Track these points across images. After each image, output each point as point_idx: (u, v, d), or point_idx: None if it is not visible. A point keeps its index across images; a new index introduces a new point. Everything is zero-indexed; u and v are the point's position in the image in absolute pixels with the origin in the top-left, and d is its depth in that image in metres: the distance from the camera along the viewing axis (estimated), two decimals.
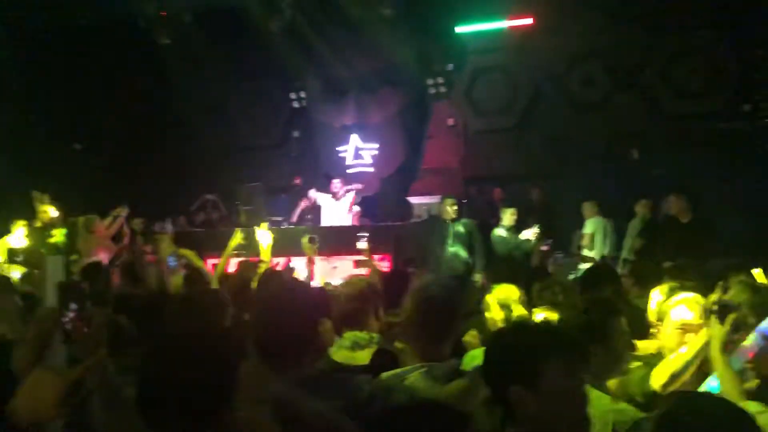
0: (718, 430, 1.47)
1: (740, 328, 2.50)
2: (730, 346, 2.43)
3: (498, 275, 4.21)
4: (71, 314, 2.04)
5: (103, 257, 7.26)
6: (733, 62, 9.69)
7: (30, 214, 8.03)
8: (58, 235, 7.71)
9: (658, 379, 2.57)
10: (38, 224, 8.09)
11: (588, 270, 4.72)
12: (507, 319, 3.25)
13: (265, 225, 5.67)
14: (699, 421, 1.48)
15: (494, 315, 3.29)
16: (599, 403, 2.14)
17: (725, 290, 2.94)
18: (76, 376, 1.84)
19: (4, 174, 10.35)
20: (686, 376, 2.57)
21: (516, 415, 1.66)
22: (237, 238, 5.46)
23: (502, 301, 3.30)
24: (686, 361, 2.57)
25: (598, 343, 2.34)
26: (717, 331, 2.42)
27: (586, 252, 8.42)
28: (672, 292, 3.10)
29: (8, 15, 10.63)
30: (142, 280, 4.74)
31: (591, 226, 8.64)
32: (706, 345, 2.50)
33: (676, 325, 2.79)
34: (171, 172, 11.68)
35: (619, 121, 10.34)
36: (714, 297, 2.68)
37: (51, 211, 7.98)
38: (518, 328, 2.00)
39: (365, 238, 5.59)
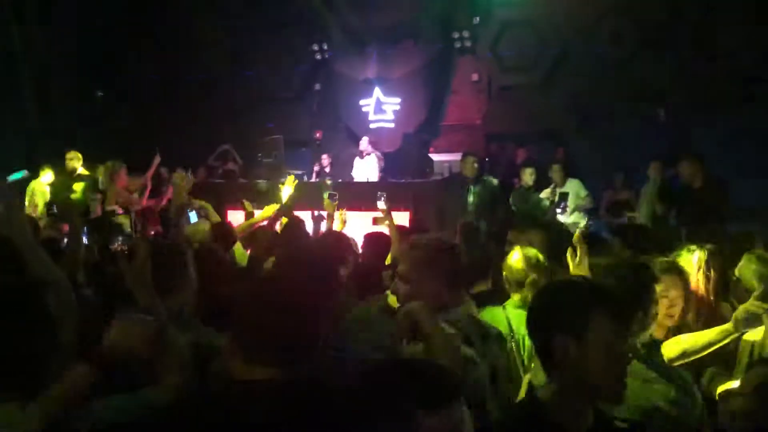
0: None
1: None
2: None
3: (520, 233, 4.14)
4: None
5: (117, 208, 7.34)
6: (765, 22, 9.36)
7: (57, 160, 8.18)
8: (78, 192, 7.82)
9: (668, 350, 2.59)
10: (64, 172, 8.22)
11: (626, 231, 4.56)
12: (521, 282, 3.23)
13: (291, 178, 5.65)
14: None
15: (511, 276, 3.27)
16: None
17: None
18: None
19: (31, 119, 10.48)
20: (695, 357, 2.62)
21: (557, 364, 1.71)
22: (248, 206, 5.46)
23: (523, 264, 3.27)
24: (702, 344, 2.61)
25: (639, 310, 2.34)
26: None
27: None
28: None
29: None
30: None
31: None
32: (725, 337, 2.57)
33: None
34: (193, 122, 11.72)
35: (646, 79, 10.11)
36: (747, 306, 2.65)
37: (75, 160, 8.07)
38: (568, 282, 2.03)
39: (384, 197, 5.60)
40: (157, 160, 7.99)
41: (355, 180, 9.76)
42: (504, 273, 3.33)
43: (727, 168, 7.53)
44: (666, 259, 3.11)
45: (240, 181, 9.84)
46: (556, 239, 4.23)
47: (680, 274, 3.02)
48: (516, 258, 3.27)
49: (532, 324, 1.81)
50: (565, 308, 1.74)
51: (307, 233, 4.87)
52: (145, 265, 2.19)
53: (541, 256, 3.29)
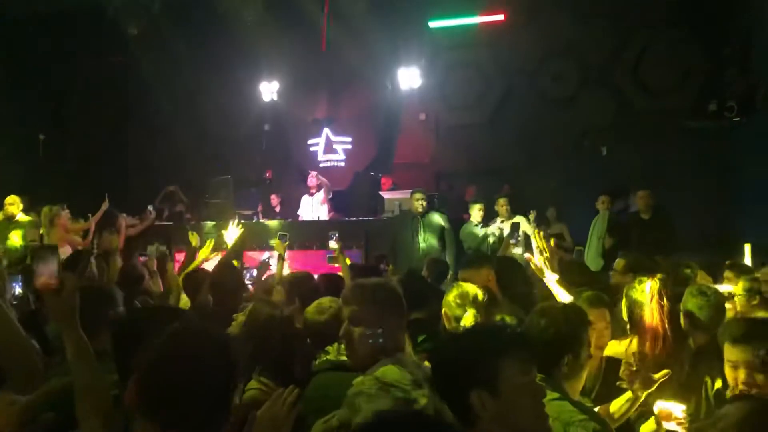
0: None
1: None
2: None
3: (465, 268, 4.14)
4: None
5: (66, 250, 7.13)
6: (701, 60, 9.85)
7: None
8: (17, 238, 7.61)
9: None
10: (1, 217, 7.96)
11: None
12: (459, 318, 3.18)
13: (234, 221, 5.60)
14: None
15: (450, 312, 3.23)
16: (561, 409, 2.17)
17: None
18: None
19: None
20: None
21: (477, 419, 1.66)
22: (194, 239, 5.30)
23: (460, 300, 3.24)
24: (617, 418, 2.68)
25: (567, 353, 2.36)
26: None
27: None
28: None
29: None
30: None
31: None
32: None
33: None
34: (139, 164, 11.53)
35: (589, 116, 10.46)
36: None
37: (15, 206, 7.83)
38: (469, 333, 1.98)
39: (336, 236, 5.61)
40: (105, 205, 7.88)
41: (304, 218, 9.71)
42: (443, 309, 3.26)
43: (668, 200, 7.79)
44: (590, 292, 3.18)
45: (188, 222, 9.67)
46: (508, 273, 4.27)
47: (605, 305, 3.12)
48: (454, 294, 3.23)
49: (441, 381, 1.75)
50: (473, 361, 1.69)
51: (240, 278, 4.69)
52: (73, 298, 2.05)
53: (479, 293, 3.23)
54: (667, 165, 9.46)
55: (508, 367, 1.68)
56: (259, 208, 10.30)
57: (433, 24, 11.22)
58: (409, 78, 11.15)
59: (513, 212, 7.80)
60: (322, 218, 9.64)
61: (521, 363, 1.70)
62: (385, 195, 9.69)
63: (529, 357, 1.74)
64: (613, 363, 3.07)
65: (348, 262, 5.52)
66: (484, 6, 10.95)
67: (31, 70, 10.93)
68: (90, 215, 7.83)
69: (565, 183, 9.89)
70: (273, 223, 9.13)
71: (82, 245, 7.43)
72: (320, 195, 9.83)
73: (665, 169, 9.42)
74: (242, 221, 9.48)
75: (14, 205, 7.92)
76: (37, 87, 11.09)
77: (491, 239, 7.56)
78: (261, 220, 9.77)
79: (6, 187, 8.38)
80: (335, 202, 10.17)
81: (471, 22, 11.17)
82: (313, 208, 9.85)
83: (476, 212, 7.85)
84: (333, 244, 5.60)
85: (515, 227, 7.27)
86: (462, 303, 3.15)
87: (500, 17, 10.89)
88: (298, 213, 9.97)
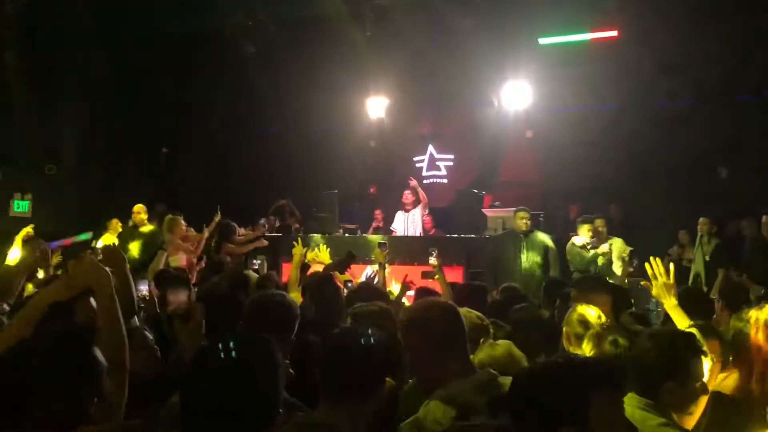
0: None
1: None
2: None
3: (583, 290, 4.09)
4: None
5: (181, 258, 7.56)
6: None
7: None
8: (136, 245, 8.20)
9: None
10: (130, 224, 8.60)
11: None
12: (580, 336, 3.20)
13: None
14: None
15: (571, 331, 3.26)
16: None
17: None
18: None
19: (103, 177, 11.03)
20: None
21: None
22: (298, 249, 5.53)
23: (582, 320, 3.25)
24: None
25: (668, 380, 2.29)
26: None
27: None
28: None
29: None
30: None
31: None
32: None
33: None
34: (253, 177, 12.06)
35: (706, 136, 9.92)
36: None
37: (142, 214, 8.46)
38: (560, 365, 1.87)
39: (435, 252, 5.65)
40: (218, 217, 8.27)
41: (400, 234, 9.75)
42: (564, 328, 3.31)
43: None
44: (701, 321, 3.04)
45: (297, 234, 10.01)
46: (621, 299, 4.20)
47: (717, 337, 2.97)
48: (578, 314, 3.27)
49: (530, 416, 1.69)
50: (565, 395, 1.65)
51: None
52: (200, 328, 2.26)
53: (601, 313, 3.26)
54: None
55: (600, 401, 1.64)
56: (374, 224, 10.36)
57: (544, 41, 11.07)
58: (516, 95, 11.04)
59: (614, 234, 7.56)
60: (421, 234, 9.67)
61: (610, 396, 1.67)
62: (489, 212, 9.62)
63: (619, 389, 1.72)
64: (722, 399, 2.89)
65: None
66: (596, 22, 10.68)
67: (157, 86, 11.73)
68: (204, 226, 8.26)
69: (676, 204, 9.46)
70: (374, 237, 9.28)
71: (195, 254, 7.85)
72: (417, 211, 9.83)
73: None
74: (346, 234, 9.80)
75: (140, 213, 8.53)
76: (161, 102, 11.87)
77: (601, 261, 7.33)
78: (363, 235, 9.95)
79: (134, 197, 9.05)
80: (437, 219, 10.18)
81: (582, 38, 10.94)
82: (408, 224, 9.83)
83: (585, 232, 7.63)
84: (433, 261, 5.65)
85: (633, 254, 7.00)
86: (584, 323, 3.16)
87: (613, 33, 10.59)
88: (392, 228, 10.03)
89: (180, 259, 7.65)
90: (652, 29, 10.09)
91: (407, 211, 9.87)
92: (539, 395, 1.69)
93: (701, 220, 7.73)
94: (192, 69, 11.64)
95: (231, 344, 1.69)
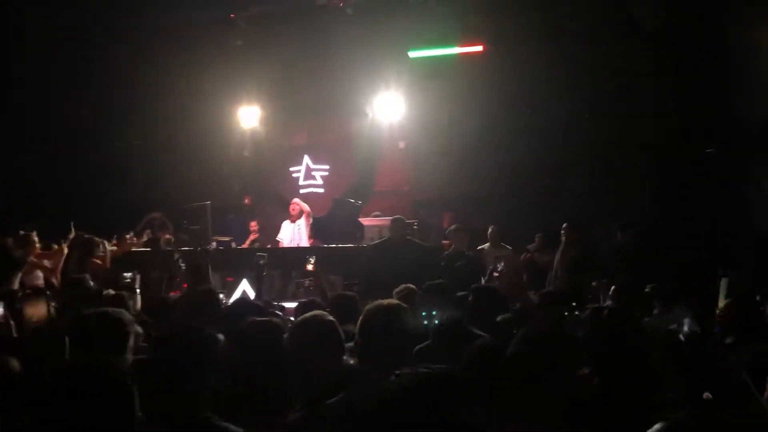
0: None
1: None
2: None
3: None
4: None
5: (37, 276, 7.11)
6: None
7: None
8: None
9: None
10: None
11: None
12: None
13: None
14: None
15: None
16: None
17: None
18: None
19: None
20: None
21: None
22: None
23: None
24: None
25: None
26: None
27: None
28: None
29: None
30: None
31: None
32: None
33: None
34: (119, 191, 11.40)
35: (567, 148, 10.51)
36: None
37: None
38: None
39: (313, 259, 5.64)
40: (72, 233, 7.86)
41: (284, 244, 9.69)
42: None
43: None
44: None
45: (164, 248, 9.58)
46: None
47: None
48: None
49: None
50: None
51: None
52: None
53: None
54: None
55: None
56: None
57: (413, 54, 11.37)
58: (389, 106, 11.26)
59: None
60: (302, 245, 9.62)
61: None
62: (366, 222, 9.71)
63: None
64: None
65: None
66: (463, 37, 11.12)
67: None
68: (62, 242, 7.73)
69: (541, 213, 9.96)
70: (251, 249, 9.10)
71: (53, 272, 7.37)
72: (302, 221, 9.82)
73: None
74: (220, 247, 9.52)
75: None
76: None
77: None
78: (237, 247, 9.73)
79: None
80: (315, 229, 10.14)
81: (450, 52, 11.34)
82: (294, 234, 9.83)
83: (459, 239, 7.87)
84: (310, 267, 5.67)
85: (498, 259, 7.31)
86: None
87: (479, 48, 11.08)
88: (278, 238, 9.94)
89: (36, 278, 7.15)
90: (515, 44, 10.64)
91: (293, 221, 9.87)
92: None
93: (564, 226, 8.18)
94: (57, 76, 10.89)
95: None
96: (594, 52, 10.22)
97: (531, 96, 10.67)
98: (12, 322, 4.00)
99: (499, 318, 4.17)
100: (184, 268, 7.60)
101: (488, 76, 10.85)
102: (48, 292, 4.85)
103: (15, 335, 3.82)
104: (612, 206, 9.59)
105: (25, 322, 3.87)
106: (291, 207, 9.99)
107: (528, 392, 2.14)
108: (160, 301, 5.19)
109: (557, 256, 8.11)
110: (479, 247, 8.51)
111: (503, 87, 10.85)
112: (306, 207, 9.97)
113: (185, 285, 7.21)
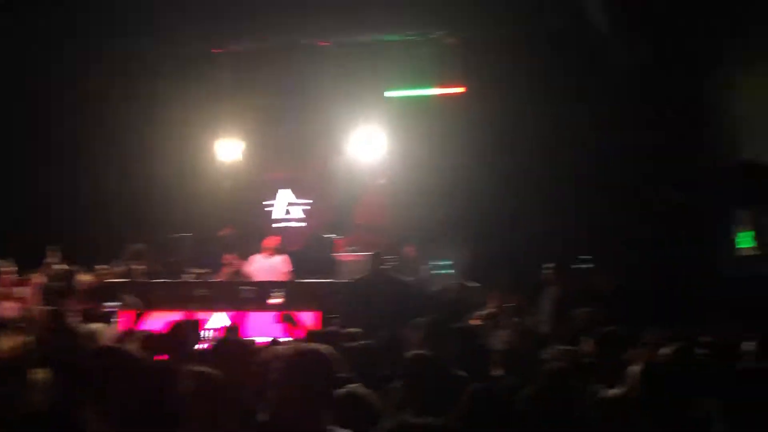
0: None
1: None
2: None
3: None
4: None
5: (8, 307, 7.02)
6: None
7: None
8: None
9: None
10: None
11: None
12: None
13: None
14: None
15: None
16: None
17: None
18: None
19: None
20: None
21: None
22: None
23: None
24: None
25: None
26: None
27: None
28: None
29: None
30: None
31: None
32: None
33: None
34: (101, 218, 11.29)
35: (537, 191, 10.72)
36: None
37: None
38: None
39: (280, 294, 5.65)
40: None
41: (257, 279, 9.62)
42: None
43: None
44: None
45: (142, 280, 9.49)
46: None
47: None
48: None
49: None
50: None
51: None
52: None
53: None
54: None
55: None
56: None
57: (389, 94, 11.58)
58: (367, 143, 11.40)
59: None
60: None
61: None
62: (342, 257, 9.75)
63: None
64: None
65: None
66: (441, 79, 11.36)
67: None
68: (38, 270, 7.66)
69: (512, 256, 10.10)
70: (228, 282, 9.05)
71: (29, 302, 7.28)
72: (278, 260, 9.83)
73: None
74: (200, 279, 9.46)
75: None
76: None
77: None
78: (216, 279, 9.66)
79: None
80: (291, 263, 10.14)
81: (428, 93, 11.57)
82: (267, 270, 9.78)
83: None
84: (275, 300, 5.63)
85: None
86: None
87: (460, 90, 11.31)
88: (251, 270, 9.86)
89: (6, 309, 7.06)
90: (494, 85, 10.88)
91: (269, 255, 9.85)
92: None
93: (545, 266, 8.33)
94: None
95: None
96: (574, 98, 10.50)
97: (510, 136, 10.87)
98: None
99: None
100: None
101: (468, 116, 11.06)
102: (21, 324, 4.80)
103: None
104: (585, 247, 9.79)
105: None
106: (268, 241, 9.95)
107: None
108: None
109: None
110: None
111: (481, 126, 11.07)
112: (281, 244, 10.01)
113: None
